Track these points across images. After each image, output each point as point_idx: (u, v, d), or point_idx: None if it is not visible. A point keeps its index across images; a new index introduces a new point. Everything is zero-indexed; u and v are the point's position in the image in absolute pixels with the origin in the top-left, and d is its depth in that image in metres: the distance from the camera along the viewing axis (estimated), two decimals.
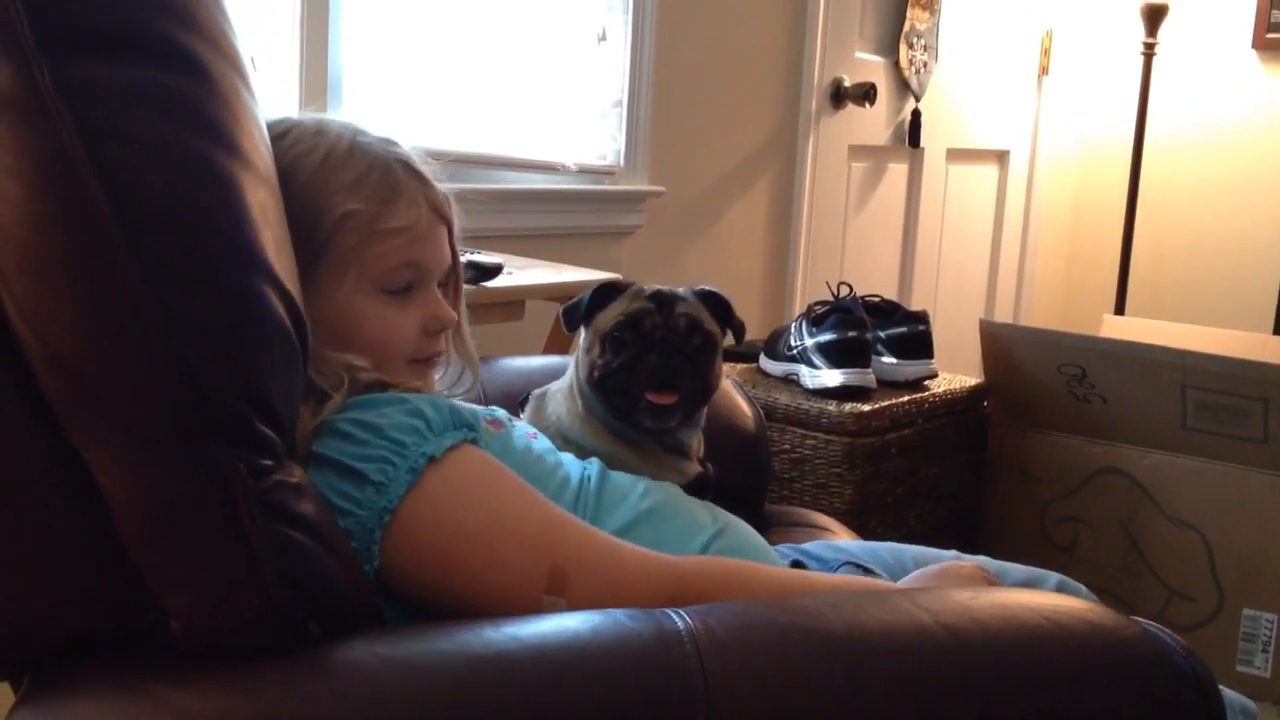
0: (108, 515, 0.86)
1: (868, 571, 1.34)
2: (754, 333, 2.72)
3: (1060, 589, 1.31)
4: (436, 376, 1.26)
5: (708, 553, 1.19)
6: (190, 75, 0.87)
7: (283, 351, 0.90)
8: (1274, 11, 3.88)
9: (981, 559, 1.35)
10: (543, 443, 1.25)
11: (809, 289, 3.26)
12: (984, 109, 3.86)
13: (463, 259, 1.73)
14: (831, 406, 2.20)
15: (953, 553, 1.40)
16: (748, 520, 1.33)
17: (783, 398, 2.26)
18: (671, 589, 1.04)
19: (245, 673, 0.85)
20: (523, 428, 1.27)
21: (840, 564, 1.37)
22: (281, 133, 1.10)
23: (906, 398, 2.29)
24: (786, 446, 2.24)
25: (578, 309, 1.39)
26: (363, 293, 1.11)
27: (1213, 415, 2.36)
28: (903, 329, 2.39)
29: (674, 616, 0.89)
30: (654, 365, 1.32)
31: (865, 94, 3.24)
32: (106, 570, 0.88)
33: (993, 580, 1.22)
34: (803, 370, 2.32)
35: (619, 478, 1.24)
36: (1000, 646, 0.91)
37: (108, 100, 0.81)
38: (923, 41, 3.48)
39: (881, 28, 3.40)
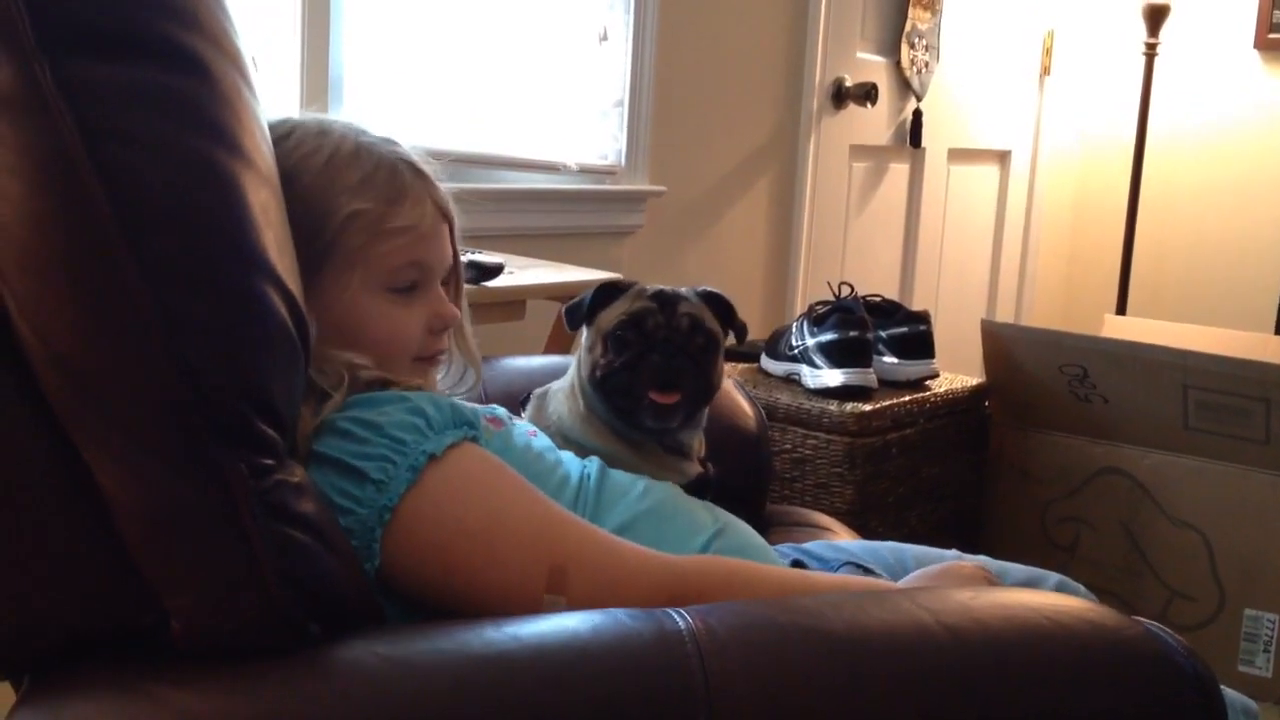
0: (108, 515, 0.86)
1: (868, 571, 1.34)
2: (755, 332, 2.71)
3: (1060, 589, 1.31)
4: (439, 376, 1.26)
5: (707, 552, 1.19)
6: (191, 74, 0.87)
7: (284, 351, 0.90)
8: (1275, 11, 3.88)
9: (982, 559, 1.35)
10: (542, 440, 1.26)
11: (810, 289, 3.26)
12: (985, 109, 3.86)
13: (464, 258, 1.73)
14: (833, 406, 2.20)
15: (953, 552, 1.40)
16: (749, 520, 1.33)
17: (784, 397, 2.26)
18: (672, 588, 1.04)
19: (246, 672, 0.85)
20: (523, 426, 1.27)
21: (841, 564, 1.37)
22: (284, 133, 1.10)
23: (908, 398, 2.29)
24: (788, 446, 2.24)
25: (580, 308, 1.39)
26: (369, 292, 1.11)
27: (1214, 415, 2.36)
28: (904, 329, 2.39)
29: (674, 616, 0.89)
30: (656, 365, 1.32)
31: (866, 94, 3.24)
32: (107, 570, 0.88)
33: (993, 580, 1.22)
34: (804, 370, 2.32)
35: (618, 476, 1.24)
36: (1001, 646, 0.91)
37: (109, 99, 0.81)
38: (924, 41, 3.48)
39: (883, 27, 3.40)
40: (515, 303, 1.98)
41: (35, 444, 0.86)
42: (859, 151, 3.41)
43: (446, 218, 1.18)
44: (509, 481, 1.05)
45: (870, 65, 3.35)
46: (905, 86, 3.47)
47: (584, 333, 1.39)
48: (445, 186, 1.19)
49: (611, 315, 1.36)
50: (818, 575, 1.23)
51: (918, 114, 3.51)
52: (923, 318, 2.40)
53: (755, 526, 1.33)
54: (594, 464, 1.25)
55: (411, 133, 2.10)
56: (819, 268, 3.32)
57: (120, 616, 0.90)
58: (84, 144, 0.79)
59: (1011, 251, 4.13)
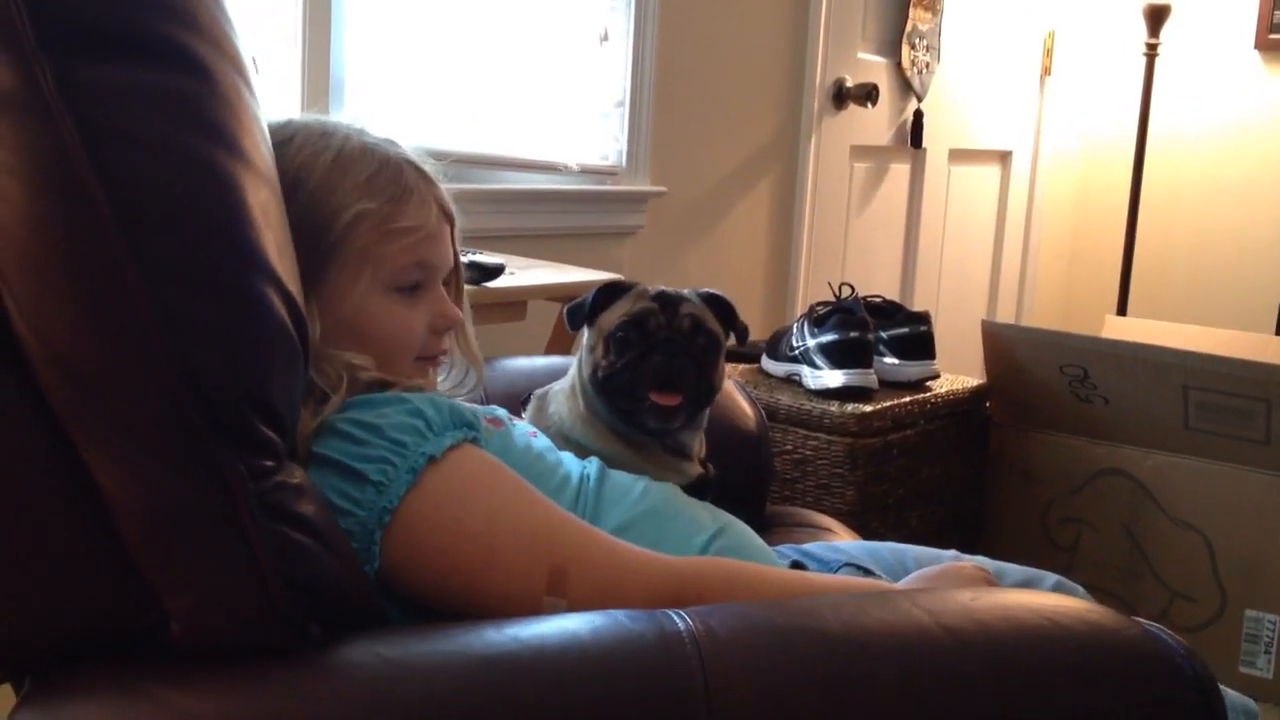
0: (108, 515, 0.86)
1: (868, 572, 1.34)
2: (756, 333, 2.71)
3: (1057, 590, 1.31)
4: (441, 378, 1.27)
5: (707, 552, 1.20)
6: (191, 75, 0.87)
7: (284, 352, 0.90)
8: (1276, 12, 3.87)
9: (979, 559, 1.35)
10: (542, 441, 1.26)
11: (811, 289, 3.26)
12: (986, 109, 3.85)
13: (465, 259, 1.73)
14: (833, 407, 2.20)
15: (953, 553, 1.40)
16: (749, 521, 1.33)
17: (785, 398, 2.26)
18: (672, 589, 1.04)
19: (246, 674, 0.85)
20: (523, 426, 1.27)
21: (840, 565, 1.37)
22: (287, 135, 1.11)
23: (908, 398, 2.28)
24: (789, 447, 2.24)
25: (581, 309, 1.39)
26: (375, 291, 1.12)
27: (1215, 416, 2.36)
28: (905, 329, 2.39)
29: (674, 617, 0.89)
30: (658, 365, 1.32)
31: (867, 94, 3.24)
32: (107, 570, 0.88)
33: (992, 580, 1.22)
34: (805, 371, 2.32)
35: (619, 476, 1.24)
36: (1001, 647, 0.91)
37: (109, 100, 0.81)
38: (925, 42, 3.48)
39: (884, 28, 3.40)
40: (516, 303, 1.98)
41: (35, 444, 0.86)
42: (860, 152, 3.41)
43: (449, 218, 1.19)
44: (509, 483, 1.05)
45: (871, 66, 3.35)
46: (906, 87, 3.47)
47: (585, 333, 1.39)
48: (446, 187, 1.19)
49: (613, 316, 1.36)
50: (817, 576, 1.23)
51: (918, 114, 3.50)
52: (923, 318, 2.41)
53: (756, 527, 1.33)
54: (594, 464, 1.25)
55: (413, 133, 2.10)
56: (820, 268, 3.32)
57: (120, 617, 0.90)
58: (84, 144, 0.79)
59: (1012, 252, 4.13)
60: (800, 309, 3.16)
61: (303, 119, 1.15)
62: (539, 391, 1.44)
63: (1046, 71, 4.07)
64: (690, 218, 2.96)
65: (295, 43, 2.11)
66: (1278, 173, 3.94)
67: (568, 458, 1.25)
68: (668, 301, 1.35)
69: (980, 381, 2.52)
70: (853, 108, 3.29)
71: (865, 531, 1.96)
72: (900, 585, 1.22)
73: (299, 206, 1.06)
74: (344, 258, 1.10)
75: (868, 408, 2.19)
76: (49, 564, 0.88)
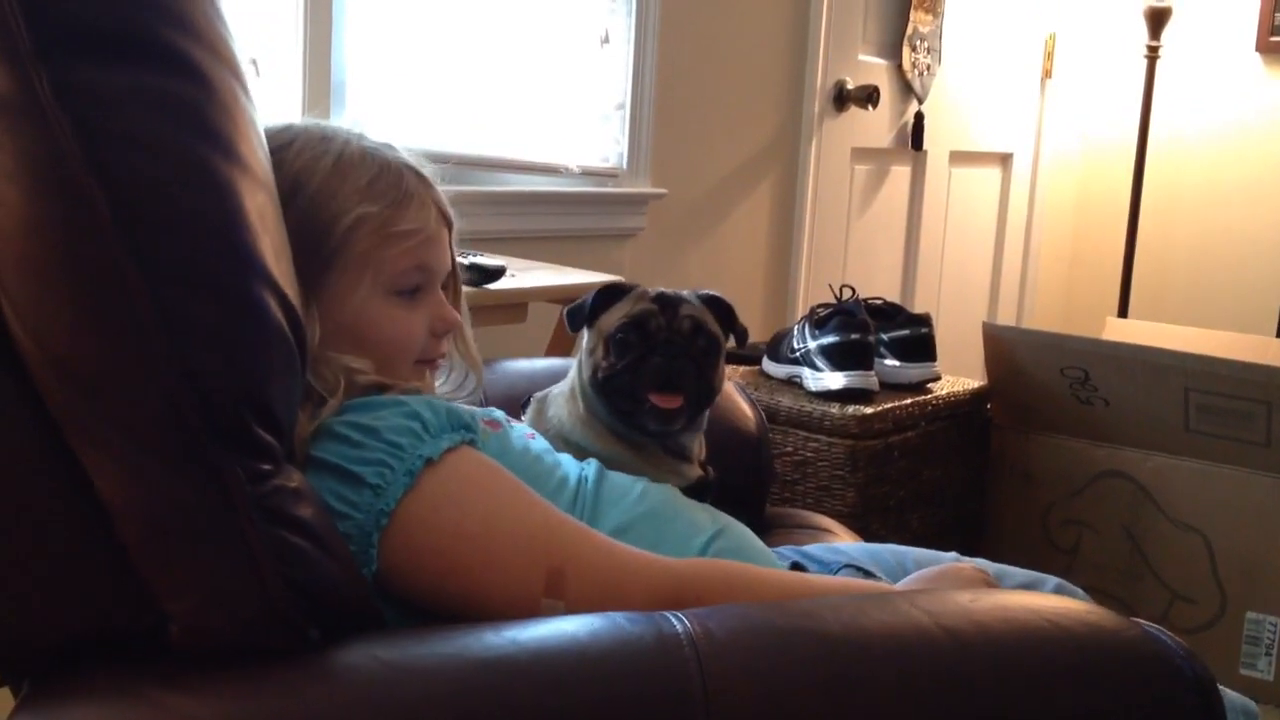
0: (109, 518, 0.86)
1: (868, 574, 1.34)
2: (757, 335, 2.72)
3: (1058, 593, 1.31)
4: (439, 381, 1.27)
5: (706, 554, 1.19)
6: (188, 80, 0.87)
7: (281, 354, 0.90)
8: (1277, 14, 3.87)
9: (981, 562, 1.35)
10: (540, 443, 1.26)
11: (812, 291, 3.26)
12: (987, 112, 3.86)
13: (465, 261, 1.73)
14: (834, 409, 2.20)
15: (953, 555, 1.40)
16: (749, 522, 1.32)
17: (785, 400, 2.26)
18: (670, 591, 1.04)
19: (245, 677, 0.85)
20: (521, 428, 1.27)
21: (840, 566, 1.37)
22: (287, 140, 1.11)
23: (909, 400, 2.28)
24: (789, 449, 2.24)
25: (581, 310, 1.39)
26: (375, 295, 1.12)
27: (1216, 418, 2.36)
28: (905, 331, 2.39)
29: (673, 619, 0.88)
30: (659, 367, 1.32)
31: (868, 96, 3.24)
32: (107, 572, 0.88)
33: (991, 581, 1.22)
34: (805, 373, 2.32)
35: (617, 478, 1.24)
36: (1000, 648, 0.91)
37: (106, 104, 0.81)
38: (926, 44, 3.48)
39: (884, 30, 3.40)
40: (517, 305, 1.98)
41: (35, 445, 0.86)
42: (860, 154, 3.41)
43: (447, 221, 1.19)
44: (506, 485, 1.05)
45: (872, 68, 3.35)
46: (907, 89, 3.47)
47: (584, 335, 1.39)
48: (446, 189, 1.20)
49: (613, 317, 1.36)
50: (817, 578, 1.23)
51: (919, 116, 3.51)
52: (924, 320, 2.41)
53: (756, 529, 1.33)
54: (592, 466, 1.25)
55: (414, 136, 2.11)
56: (820, 270, 3.32)
57: (120, 618, 0.90)
58: (81, 147, 0.79)
59: (1013, 254, 4.13)
60: (801, 311, 3.16)
61: (302, 124, 1.15)
62: (538, 394, 1.44)
63: (1047, 74, 4.07)
64: (691, 220, 2.96)
65: (296, 45, 2.11)
66: (1278, 175, 3.93)
67: (566, 459, 1.25)
68: (667, 303, 1.35)
69: (981, 383, 2.52)
70: (853, 110, 3.29)
71: (866, 534, 1.96)
72: (899, 586, 1.22)
73: (299, 211, 1.06)
74: (344, 262, 1.10)
75: (868, 410, 2.19)
76: (49, 564, 0.88)
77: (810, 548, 1.47)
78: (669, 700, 0.83)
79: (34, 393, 0.85)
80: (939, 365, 2.41)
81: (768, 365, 2.46)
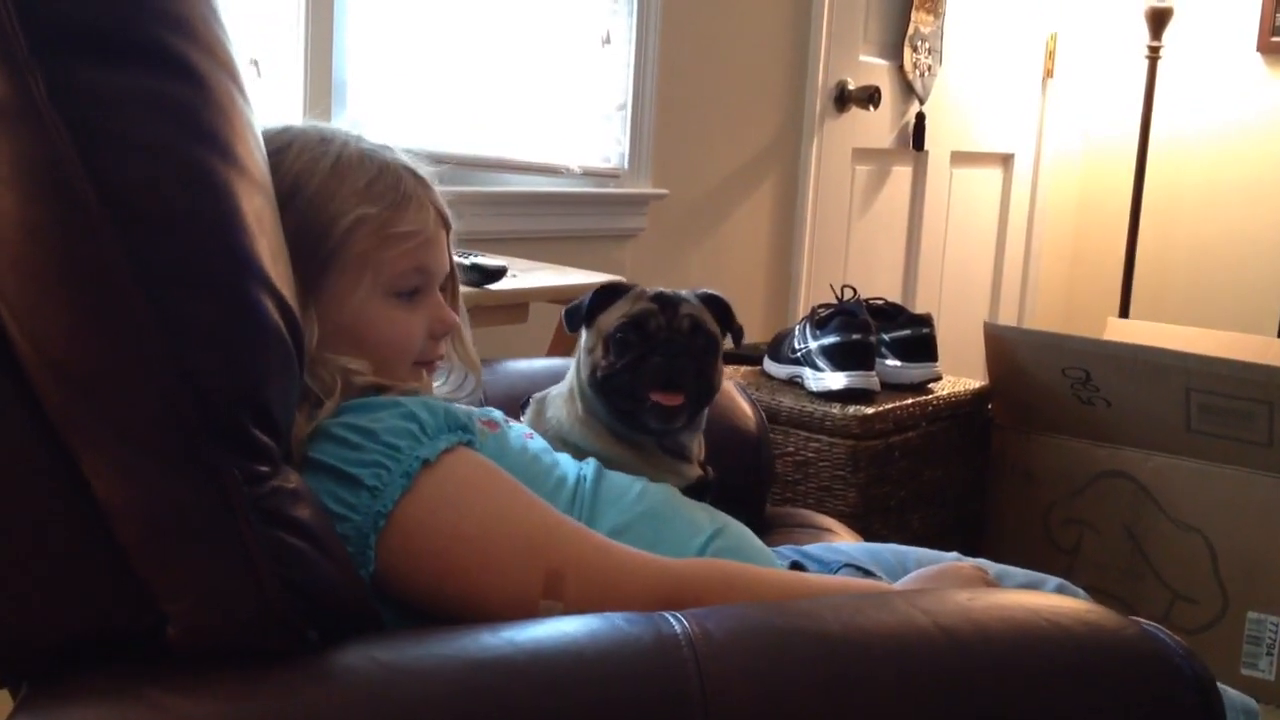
0: (107, 519, 0.86)
1: (868, 573, 1.34)
2: (758, 335, 2.72)
3: (1059, 593, 1.31)
4: (439, 382, 1.27)
5: (705, 553, 1.19)
6: (185, 82, 0.87)
7: (279, 355, 0.90)
8: (1278, 15, 3.87)
9: (981, 562, 1.35)
10: (539, 442, 1.26)
11: (813, 292, 3.26)
12: (988, 112, 3.85)
13: (467, 261, 1.73)
14: (835, 409, 2.19)
15: (954, 554, 1.40)
16: (749, 522, 1.32)
17: (787, 400, 2.26)
18: (669, 592, 1.04)
19: (243, 678, 0.85)
20: (519, 428, 1.27)
21: (839, 566, 1.37)
22: (285, 142, 1.11)
23: (910, 400, 2.28)
24: (790, 449, 2.24)
25: (579, 310, 1.39)
26: (375, 296, 1.12)
27: (1217, 418, 2.36)
28: (907, 332, 2.39)
29: (671, 620, 0.88)
30: (659, 365, 1.32)
31: (869, 97, 3.24)
32: (107, 572, 0.88)
33: (991, 581, 1.22)
34: (807, 373, 2.32)
35: (616, 477, 1.24)
36: (999, 648, 0.91)
37: (102, 106, 0.81)
38: (927, 44, 3.48)
39: (885, 30, 3.40)
40: (518, 306, 1.98)
41: (35, 448, 0.86)
42: (862, 154, 3.41)
43: (445, 223, 1.19)
44: (504, 486, 1.05)
45: (873, 68, 3.35)
46: (908, 89, 3.47)
47: (583, 335, 1.39)
48: (447, 190, 1.20)
49: (612, 317, 1.36)
50: (816, 577, 1.23)
51: (920, 117, 3.50)
52: (925, 320, 2.40)
53: (756, 529, 1.33)
54: (591, 465, 1.25)
55: (415, 136, 2.11)
56: (822, 270, 3.31)
57: (120, 618, 0.90)
58: (78, 151, 0.79)
59: (1014, 254, 4.13)
60: (802, 311, 3.16)
61: (301, 125, 1.15)
62: (537, 395, 1.44)
63: (1048, 74, 4.07)
64: (692, 220, 2.96)
65: (297, 45, 2.11)
66: (1279, 175, 3.93)
67: (564, 459, 1.25)
68: (666, 302, 1.35)
69: (982, 384, 2.52)
70: (855, 110, 3.29)
71: (867, 534, 1.96)
72: (898, 586, 1.22)
73: (298, 212, 1.06)
74: (343, 263, 1.10)
75: (869, 410, 2.19)
76: (49, 564, 0.88)
77: (810, 547, 1.47)
78: (667, 701, 0.83)
79: (32, 394, 0.85)
80: (940, 365, 2.41)
81: (769, 365, 2.45)
